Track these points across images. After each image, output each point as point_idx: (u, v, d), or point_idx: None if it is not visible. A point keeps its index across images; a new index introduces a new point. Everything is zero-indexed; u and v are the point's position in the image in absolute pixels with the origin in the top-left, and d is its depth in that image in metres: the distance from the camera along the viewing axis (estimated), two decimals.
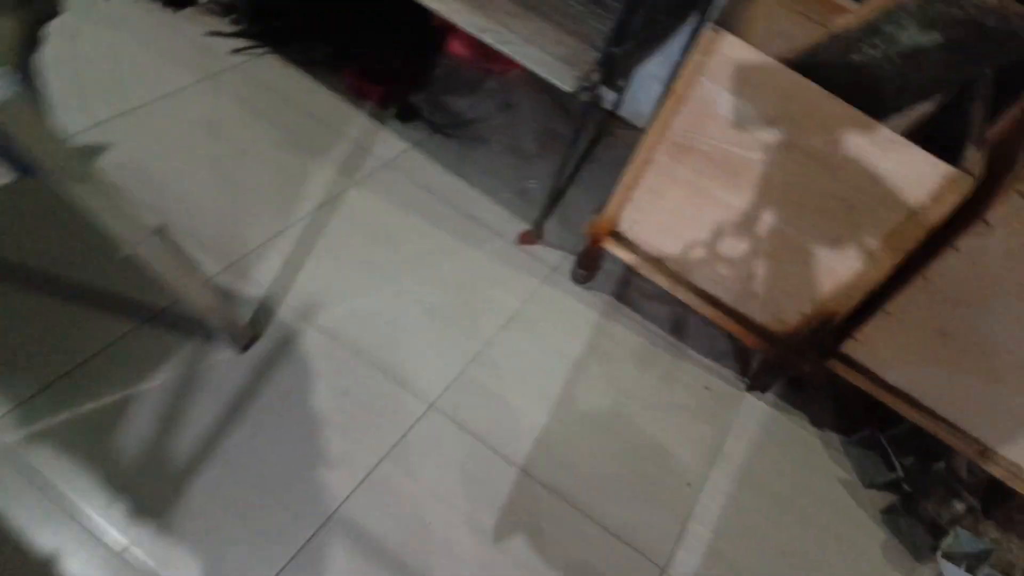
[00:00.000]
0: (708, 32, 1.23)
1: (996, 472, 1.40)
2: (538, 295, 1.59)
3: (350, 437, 1.23)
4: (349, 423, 1.25)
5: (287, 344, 1.32)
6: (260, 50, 1.89)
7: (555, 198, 1.84)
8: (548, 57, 1.42)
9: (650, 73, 1.98)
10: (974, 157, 1.19)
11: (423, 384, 1.35)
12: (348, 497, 1.16)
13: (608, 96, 2.11)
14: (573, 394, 1.43)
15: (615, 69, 1.48)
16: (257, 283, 1.40)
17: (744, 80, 1.25)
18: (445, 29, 2.03)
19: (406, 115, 1.86)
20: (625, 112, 2.12)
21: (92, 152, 1.50)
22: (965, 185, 1.17)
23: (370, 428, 1.26)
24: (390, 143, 1.78)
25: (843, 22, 1.18)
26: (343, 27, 1.96)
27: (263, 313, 1.35)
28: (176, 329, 1.28)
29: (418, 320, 1.44)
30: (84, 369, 1.18)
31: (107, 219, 0.95)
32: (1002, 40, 1.20)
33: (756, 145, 1.30)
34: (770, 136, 1.28)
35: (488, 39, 1.44)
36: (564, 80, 1.41)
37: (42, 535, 1.01)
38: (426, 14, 1.84)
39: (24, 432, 1.09)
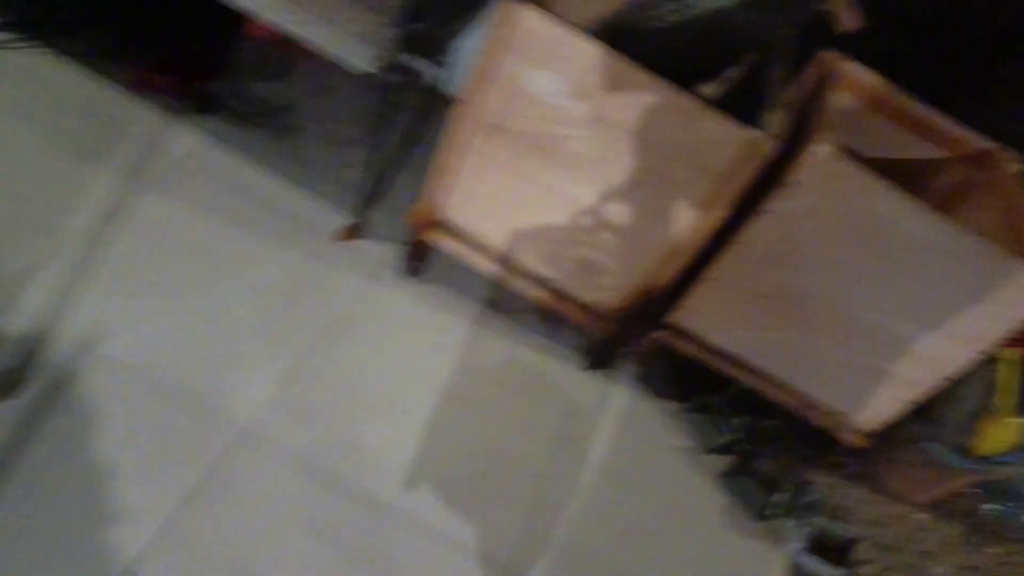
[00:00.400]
0: (503, 4, 1.16)
1: (821, 421, 1.45)
2: (364, 294, 1.49)
3: (145, 483, 1.09)
4: (143, 467, 1.10)
5: (62, 385, 1.15)
6: (28, 44, 1.65)
7: (378, 186, 1.73)
8: (344, 36, 1.31)
9: (477, 47, 1.90)
10: (771, 119, 1.20)
11: (233, 411, 1.22)
12: (145, 552, 1.02)
13: (431, 72, 2.01)
14: (405, 399, 1.35)
15: (425, 45, 1.39)
16: (22, 317, 1.21)
17: (548, 54, 1.19)
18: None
19: (205, 106, 1.68)
20: (454, 89, 2.03)
21: None
22: (764, 147, 1.17)
23: (169, 469, 1.12)
24: (187, 139, 1.61)
25: None
26: (128, 12, 1.74)
27: (30, 352, 1.18)
28: None
29: (224, 339, 1.30)
30: None
31: None
32: None
33: (568, 122, 1.25)
34: (580, 111, 1.23)
35: (271, 18, 1.30)
36: (361, 60, 1.30)
37: None
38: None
39: None
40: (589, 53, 1.16)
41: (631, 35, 1.23)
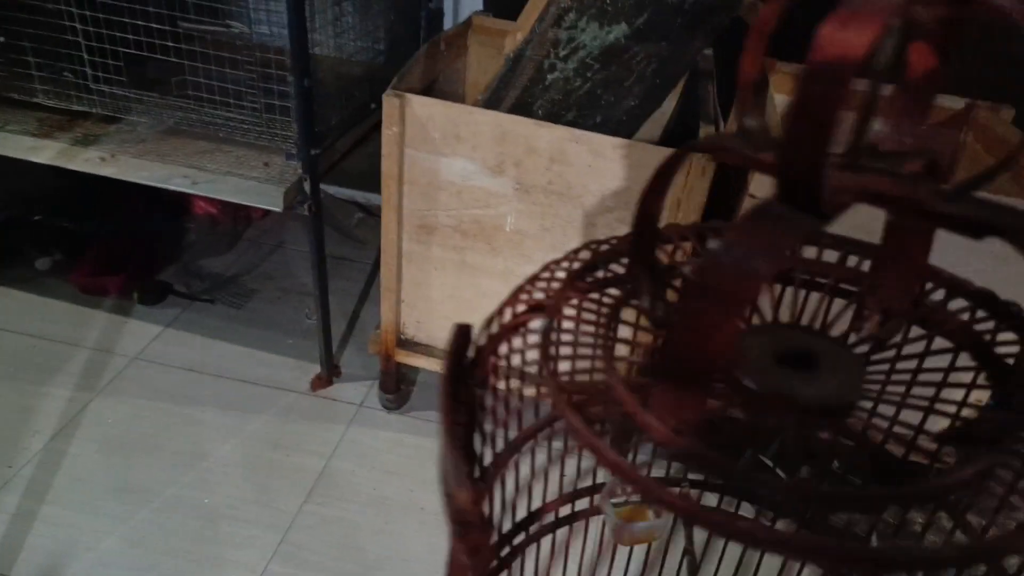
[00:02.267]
0: (389, 99, 1.10)
1: None
2: (345, 442, 1.36)
3: None
4: None
5: None
6: None
7: (348, 324, 1.64)
8: (252, 183, 1.25)
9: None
10: (706, 133, 1.09)
11: None
12: None
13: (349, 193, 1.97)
14: (404, 551, 1.19)
15: (328, 169, 1.33)
16: None
17: (452, 138, 1.11)
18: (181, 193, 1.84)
19: (152, 296, 1.63)
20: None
21: None
22: (709, 164, 1.05)
23: None
24: (138, 333, 1.55)
25: (510, 43, 1.07)
26: (62, 227, 1.74)
27: None
28: None
29: (194, 533, 1.18)
30: None
31: None
32: (689, 9, 1.12)
33: (494, 200, 1.16)
34: (502, 186, 1.14)
35: (176, 186, 1.26)
36: (274, 201, 1.24)
37: None
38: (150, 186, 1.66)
39: None
40: (490, 124, 1.08)
41: (537, 96, 1.15)
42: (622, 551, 0.70)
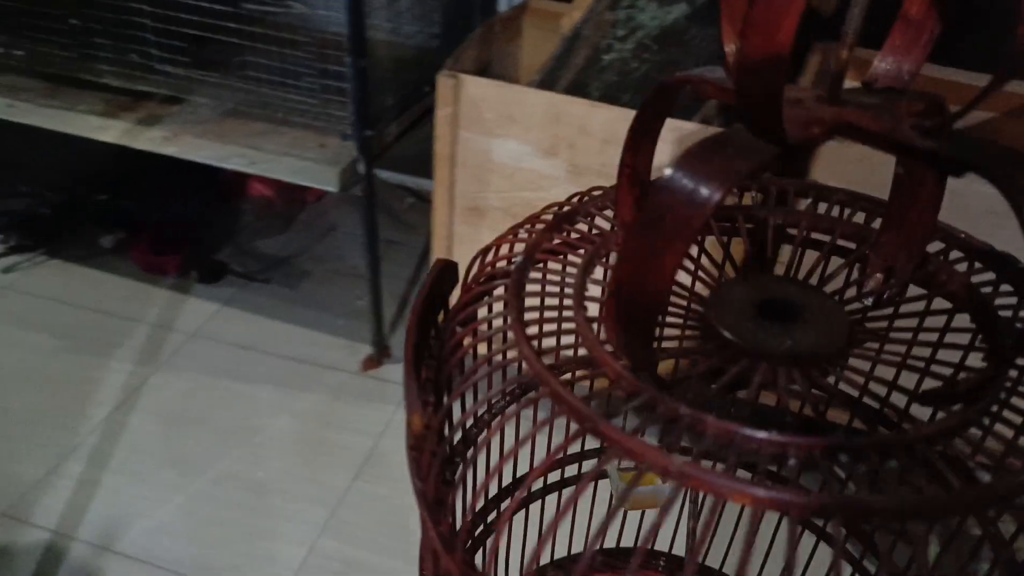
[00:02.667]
0: (443, 80, 1.10)
1: None
2: (395, 423, 1.37)
3: None
4: None
5: None
6: (37, 259, 1.70)
7: (398, 306, 1.65)
8: (308, 163, 1.27)
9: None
10: None
11: None
12: None
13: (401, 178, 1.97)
14: None
15: (382, 151, 1.34)
16: (41, 524, 1.15)
17: (505, 119, 1.11)
18: (240, 175, 1.88)
19: (210, 275, 1.67)
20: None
21: None
22: None
23: None
24: (196, 311, 1.59)
25: (567, 23, 1.06)
26: (125, 207, 1.79)
27: (49, 560, 1.10)
28: None
29: (245, 506, 1.20)
30: None
31: None
32: None
33: (546, 182, 1.15)
34: (555, 168, 1.13)
35: (235, 165, 1.28)
36: (329, 181, 1.25)
37: None
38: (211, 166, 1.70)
39: None
40: (543, 105, 1.07)
41: (592, 77, 1.14)
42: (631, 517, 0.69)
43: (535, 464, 0.65)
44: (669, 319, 0.48)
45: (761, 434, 0.34)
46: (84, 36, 1.35)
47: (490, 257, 0.53)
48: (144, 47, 1.30)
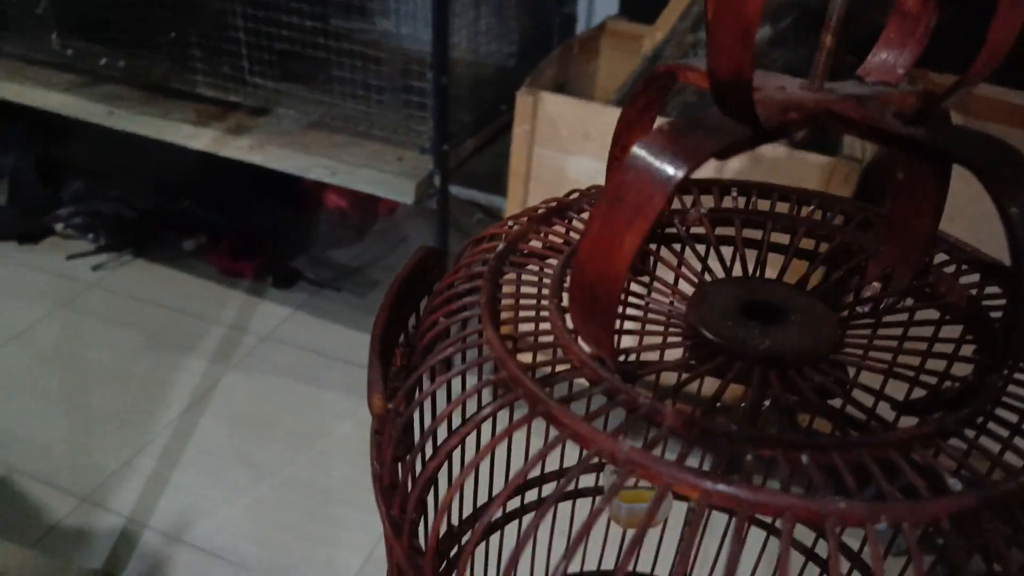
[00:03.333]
0: (522, 96, 1.11)
1: None
2: None
3: None
4: None
5: (153, 575, 1.10)
6: (124, 259, 1.78)
7: None
8: (386, 175, 1.30)
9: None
10: (854, 144, 1.04)
11: None
12: None
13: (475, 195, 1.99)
14: None
15: (457, 166, 1.36)
16: (115, 512, 1.19)
17: (581, 136, 1.12)
18: (317, 186, 1.94)
19: (284, 281, 1.72)
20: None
21: None
22: (853, 171, 1.00)
23: None
24: (270, 315, 1.63)
25: (648, 43, 1.06)
26: (207, 213, 1.87)
27: (123, 545, 1.14)
28: None
29: (308, 511, 1.22)
30: None
31: None
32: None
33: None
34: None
35: (316, 175, 1.32)
36: (405, 193, 1.28)
37: None
38: (293, 177, 1.75)
39: None
40: None
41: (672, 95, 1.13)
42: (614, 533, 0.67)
43: (506, 460, 0.63)
44: (651, 315, 0.47)
45: (721, 430, 0.34)
46: (181, 49, 1.41)
47: (481, 246, 0.53)
48: (236, 60, 1.36)
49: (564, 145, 1.12)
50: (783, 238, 0.54)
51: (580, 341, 0.40)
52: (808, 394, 0.40)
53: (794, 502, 0.30)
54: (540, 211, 0.54)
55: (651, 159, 0.33)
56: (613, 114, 1.07)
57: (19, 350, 1.50)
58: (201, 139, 1.40)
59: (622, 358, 0.43)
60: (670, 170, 0.32)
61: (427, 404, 0.44)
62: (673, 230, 0.54)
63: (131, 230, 1.83)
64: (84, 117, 1.49)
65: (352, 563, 1.14)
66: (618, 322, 0.53)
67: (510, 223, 0.54)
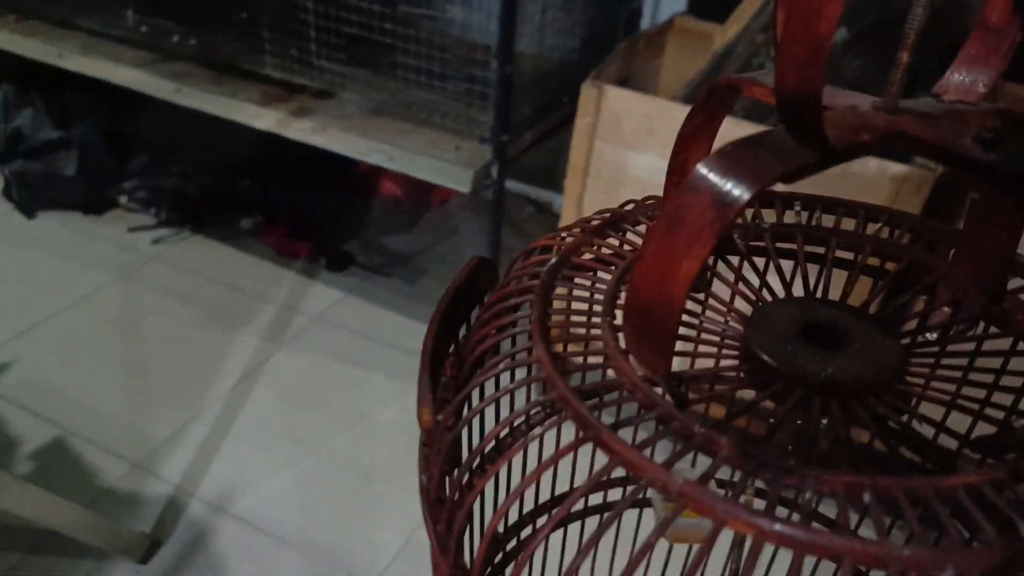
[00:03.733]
0: (586, 89, 1.10)
1: None
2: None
3: None
4: None
5: (198, 543, 1.13)
6: (183, 235, 1.83)
7: None
8: (443, 164, 1.31)
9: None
10: None
11: (362, 563, 1.12)
12: None
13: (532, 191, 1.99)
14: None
15: (514, 158, 1.36)
16: (165, 479, 1.22)
17: (645, 132, 1.10)
18: (373, 172, 1.96)
19: (337, 264, 1.74)
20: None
21: None
22: (926, 181, 0.97)
23: None
24: (321, 296, 1.66)
25: (719, 40, 1.04)
26: (267, 193, 1.90)
27: (170, 512, 1.17)
28: (65, 553, 1.10)
29: (352, 487, 1.24)
30: None
31: None
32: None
33: None
34: None
35: (375, 160, 1.33)
36: (462, 182, 1.28)
37: None
38: (350, 162, 1.77)
39: None
40: None
41: None
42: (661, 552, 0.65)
43: (557, 477, 0.62)
44: (705, 336, 0.46)
45: (779, 464, 0.32)
46: (251, 30, 1.44)
47: (533, 258, 0.52)
48: (304, 43, 1.38)
49: (627, 140, 1.11)
50: (847, 255, 0.51)
51: (632, 360, 0.39)
52: (871, 427, 0.38)
53: (855, 546, 0.28)
54: (594, 223, 0.52)
55: (712, 181, 0.32)
56: (679, 111, 1.06)
57: (80, 315, 1.55)
58: (265, 119, 1.42)
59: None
60: (732, 193, 0.31)
61: (475, 418, 0.44)
62: (732, 243, 0.53)
63: (192, 206, 1.88)
64: (153, 93, 1.53)
65: (393, 542, 1.15)
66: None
67: (562, 235, 0.53)
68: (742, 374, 0.42)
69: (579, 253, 0.49)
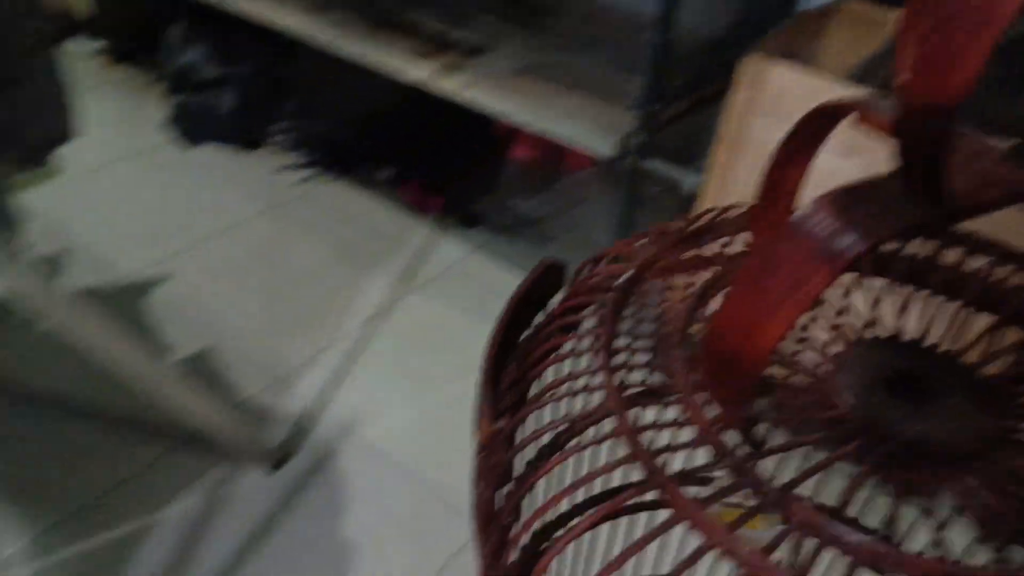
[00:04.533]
0: (749, 63, 1.08)
1: None
2: None
3: (386, 564, 1.07)
4: (386, 548, 1.09)
5: (323, 462, 1.20)
6: (326, 178, 1.92)
7: None
8: (587, 129, 1.32)
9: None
10: None
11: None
12: None
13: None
14: None
15: (662, 127, 1.35)
16: (297, 400, 1.31)
17: (803, 111, 1.07)
18: (509, 134, 1.99)
19: (469, 221, 1.79)
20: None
21: (57, 275, 1.52)
22: None
23: (411, 553, 1.09)
24: (452, 249, 1.71)
25: (893, 28, 0.99)
26: (405, 146, 1.97)
27: (300, 431, 1.25)
28: (202, 453, 1.20)
29: (469, 429, 1.29)
30: (105, 499, 1.11)
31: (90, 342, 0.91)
32: None
33: (833, 182, 1.10)
34: (848, 168, 1.08)
35: (519, 122, 1.36)
36: (604, 148, 1.29)
37: None
38: (487, 122, 1.81)
39: (38, 565, 1.02)
40: None
41: None
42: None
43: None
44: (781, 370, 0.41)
45: (853, 536, 0.28)
46: None
47: (602, 266, 0.49)
48: None
49: (785, 119, 1.08)
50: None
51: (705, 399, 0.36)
52: (958, 501, 0.34)
53: None
54: (673, 234, 0.49)
55: (818, 230, 0.28)
56: (847, 91, 1.03)
57: (231, 241, 1.67)
58: (415, 73, 1.47)
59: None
60: (839, 247, 0.27)
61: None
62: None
63: (335, 152, 1.97)
64: (312, 39, 1.61)
65: None
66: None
67: (637, 243, 0.49)
68: (822, 424, 0.38)
69: (655, 269, 0.46)
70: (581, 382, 0.41)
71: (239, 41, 2.01)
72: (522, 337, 0.48)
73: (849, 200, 0.29)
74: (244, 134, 2.00)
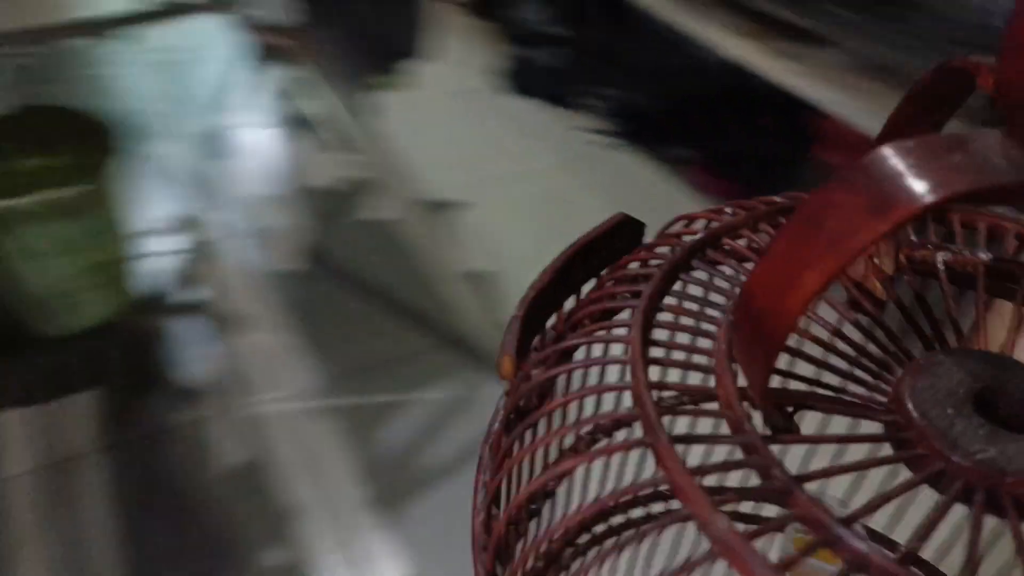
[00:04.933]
0: None
1: None
2: None
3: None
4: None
5: None
6: (621, 144, 2.00)
7: None
8: None
9: None
10: None
11: None
12: None
13: None
14: None
15: None
16: None
17: None
18: (815, 133, 1.90)
19: None
20: None
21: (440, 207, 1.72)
22: None
23: None
24: None
25: None
26: (706, 129, 1.97)
27: None
28: (463, 355, 1.34)
29: None
30: (379, 369, 1.31)
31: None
32: None
33: None
34: None
35: (856, 121, 1.30)
36: None
37: (286, 493, 1.10)
38: (796, 118, 1.75)
39: (324, 403, 1.24)
40: None
41: None
42: None
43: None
44: (855, 371, 0.35)
45: (856, 544, 0.24)
46: None
47: (678, 227, 0.45)
48: None
49: None
50: None
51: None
52: None
53: None
54: (764, 206, 0.45)
55: (875, 178, 0.24)
56: None
57: (528, 184, 1.82)
58: (743, 50, 1.47)
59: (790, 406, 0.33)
60: (896, 198, 0.23)
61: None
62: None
63: (642, 124, 2.03)
64: (648, 8, 1.66)
65: None
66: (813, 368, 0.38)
67: (727, 210, 0.45)
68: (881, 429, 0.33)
69: (735, 234, 0.42)
70: (612, 333, 0.40)
71: (581, 5, 2.15)
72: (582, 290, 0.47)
73: (930, 148, 0.24)
74: (564, 93, 2.14)
